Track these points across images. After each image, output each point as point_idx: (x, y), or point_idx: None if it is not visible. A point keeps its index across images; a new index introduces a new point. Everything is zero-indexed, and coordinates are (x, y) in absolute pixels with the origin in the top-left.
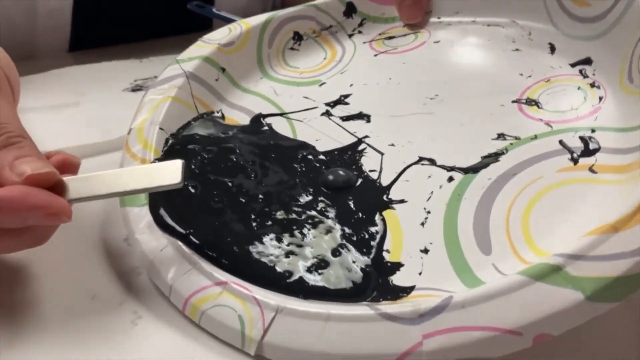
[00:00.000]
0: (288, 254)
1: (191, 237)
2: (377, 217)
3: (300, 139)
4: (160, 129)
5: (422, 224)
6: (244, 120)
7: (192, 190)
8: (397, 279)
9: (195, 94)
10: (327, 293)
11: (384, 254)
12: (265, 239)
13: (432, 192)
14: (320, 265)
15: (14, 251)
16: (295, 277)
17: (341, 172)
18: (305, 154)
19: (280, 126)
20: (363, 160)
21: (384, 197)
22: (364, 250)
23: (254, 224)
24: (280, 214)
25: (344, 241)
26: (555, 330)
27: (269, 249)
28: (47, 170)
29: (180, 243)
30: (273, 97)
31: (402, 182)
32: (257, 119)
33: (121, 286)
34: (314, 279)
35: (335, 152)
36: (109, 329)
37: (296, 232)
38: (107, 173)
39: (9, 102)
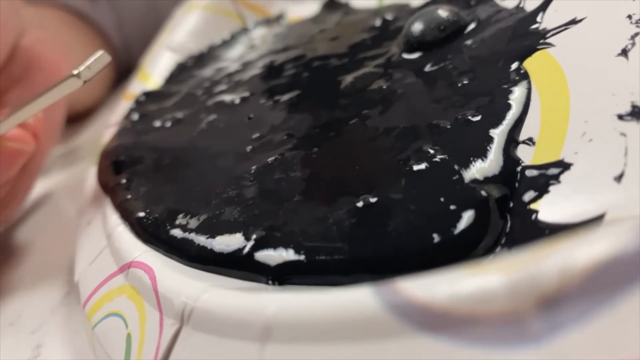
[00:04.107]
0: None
1: (131, 179)
2: (513, 72)
3: (387, 3)
4: (171, 51)
5: (624, 52)
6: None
7: (168, 124)
8: (549, 207)
9: None
10: (358, 259)
11: (522, 150)
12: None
13: None
14: (366, 187)
15: None
16: (282, 227)
17: (440, 12)
18: (385, 17)
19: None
20: None
21: (531, 29)
22: (477, 147)
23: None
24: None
25: (432, 137)
26: None
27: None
28: None
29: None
30: None
31: None
32: (331, 3)
33: (55, 299)
34: (334, 227)
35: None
36: None
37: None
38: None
39: None
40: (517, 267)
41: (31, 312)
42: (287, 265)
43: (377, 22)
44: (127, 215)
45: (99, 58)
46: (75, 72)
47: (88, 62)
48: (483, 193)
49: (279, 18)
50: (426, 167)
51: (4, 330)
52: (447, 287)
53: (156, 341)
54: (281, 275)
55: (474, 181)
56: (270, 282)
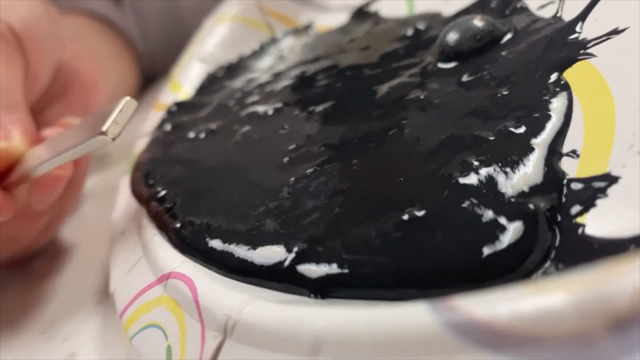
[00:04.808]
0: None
1: (166, 190)
2: (554, 83)
3: (418, 13)
4: (200, 62)
5: None
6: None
7: (201, 135)
8: (597, 221)
9: (265, 6)
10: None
11: (566, 162)
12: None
13: None
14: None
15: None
16: (322, 239)
17: (476, 22)
18: (416, 26)
19: (393, 8)
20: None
21: (570, 40)
22: (521, 159)
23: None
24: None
25: (473, 147)
26: None
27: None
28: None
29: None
30: None
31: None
32: (361, 12)
33: (86, 307)
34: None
35: (470, 9)
36: None
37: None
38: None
39: (10, 69)
40: (584, 287)
41: (62, 320)
42: (329, 279)
43: (409, 32)
44: (164, 226)
45: (125, 107)
46: (103, 128)
47: (113, 117)
48: (531, 206)
49: (307, 28)
50: (472, 179)
51: (36, 338)
52: (509, 306)
53: (198, 353)
54: (323, 289)
55: (521, 194)
56: (312, 295)
